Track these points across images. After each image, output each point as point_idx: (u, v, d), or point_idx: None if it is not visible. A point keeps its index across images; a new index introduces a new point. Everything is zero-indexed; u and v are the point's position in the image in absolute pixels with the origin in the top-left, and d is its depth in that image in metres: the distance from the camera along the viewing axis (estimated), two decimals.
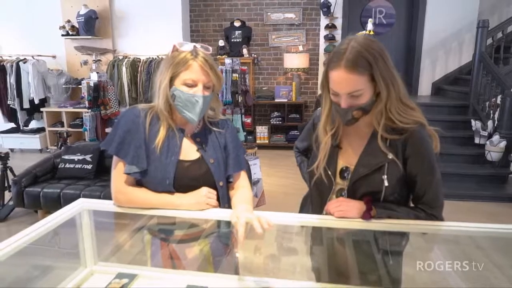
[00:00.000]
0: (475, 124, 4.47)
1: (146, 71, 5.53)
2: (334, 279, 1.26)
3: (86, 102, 4.18)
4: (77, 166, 3.55)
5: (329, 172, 1.22)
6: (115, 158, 1.20)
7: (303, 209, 1.43)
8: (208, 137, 1.28)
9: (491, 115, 4.49)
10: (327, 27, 5.99)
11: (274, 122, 6.21)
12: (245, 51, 6.00)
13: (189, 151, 1.24)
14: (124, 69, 5.56)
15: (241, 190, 1.29)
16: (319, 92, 1.17)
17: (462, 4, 5.56)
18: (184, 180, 1.20)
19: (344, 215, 1.13)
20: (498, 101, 4.40)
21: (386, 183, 1.12)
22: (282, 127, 6.24)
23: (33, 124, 6.24)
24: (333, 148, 1.22)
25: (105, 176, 3.63)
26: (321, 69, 6.17)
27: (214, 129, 1.30)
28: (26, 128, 6.10)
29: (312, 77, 6.26)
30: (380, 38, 4.93)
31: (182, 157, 1.21)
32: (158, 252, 1.30)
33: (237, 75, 3.95)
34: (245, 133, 3.85)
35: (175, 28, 5.82)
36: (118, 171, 1.19)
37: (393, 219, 1.13)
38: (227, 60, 3.87)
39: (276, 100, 6.15)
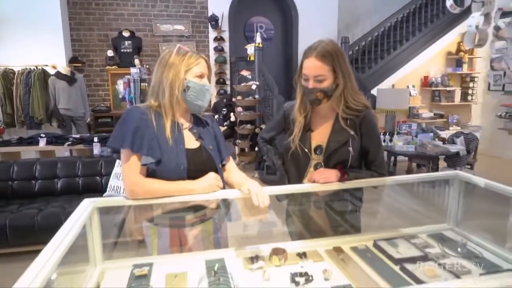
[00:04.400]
0: None
1: (24, 83, 4.91)
2: (306, 237, 1.56)
3: None
4: None
5: (306, 150, 1.53)
6: (125, 153, 1.25)
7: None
8: (201, 129, 1.44)
9: None
10: (215, 39, 6.37)
11: None
12: (136, 61, 5.85)
13: (190, 141, 1.37)
14: None
15: (236, 170, 1.53)
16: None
17: (325, 23, 6.67)
18: (192, 166, 1.33)
19: (327, 181, 1.44)
20: None
21: (352, 153, 1.49)
22: None
23: None
24: (305, 132, 1.54)
25: None
26: (213, 78, 6.50)
27: (203, 122, 1.48)
28: None
29: None
30: (263, 50, 5.56)
31: (186, 146, 1.35)
32: (166, 240, 1.38)
33: (146, 84, 3.94)
34: None
35: (54, 36, 5.32)
36: (131, 165, 1.25)
37: (359, 179, 1.50)
38: (134, 70, 3.83)
39: None
